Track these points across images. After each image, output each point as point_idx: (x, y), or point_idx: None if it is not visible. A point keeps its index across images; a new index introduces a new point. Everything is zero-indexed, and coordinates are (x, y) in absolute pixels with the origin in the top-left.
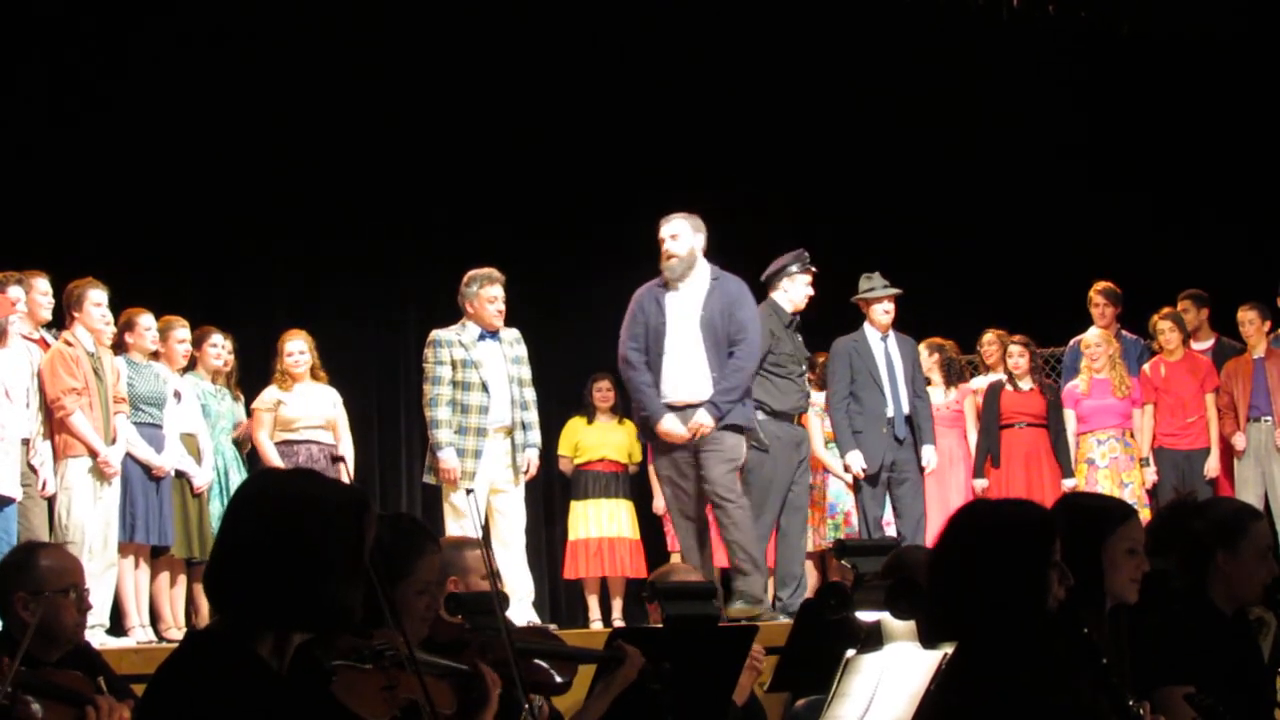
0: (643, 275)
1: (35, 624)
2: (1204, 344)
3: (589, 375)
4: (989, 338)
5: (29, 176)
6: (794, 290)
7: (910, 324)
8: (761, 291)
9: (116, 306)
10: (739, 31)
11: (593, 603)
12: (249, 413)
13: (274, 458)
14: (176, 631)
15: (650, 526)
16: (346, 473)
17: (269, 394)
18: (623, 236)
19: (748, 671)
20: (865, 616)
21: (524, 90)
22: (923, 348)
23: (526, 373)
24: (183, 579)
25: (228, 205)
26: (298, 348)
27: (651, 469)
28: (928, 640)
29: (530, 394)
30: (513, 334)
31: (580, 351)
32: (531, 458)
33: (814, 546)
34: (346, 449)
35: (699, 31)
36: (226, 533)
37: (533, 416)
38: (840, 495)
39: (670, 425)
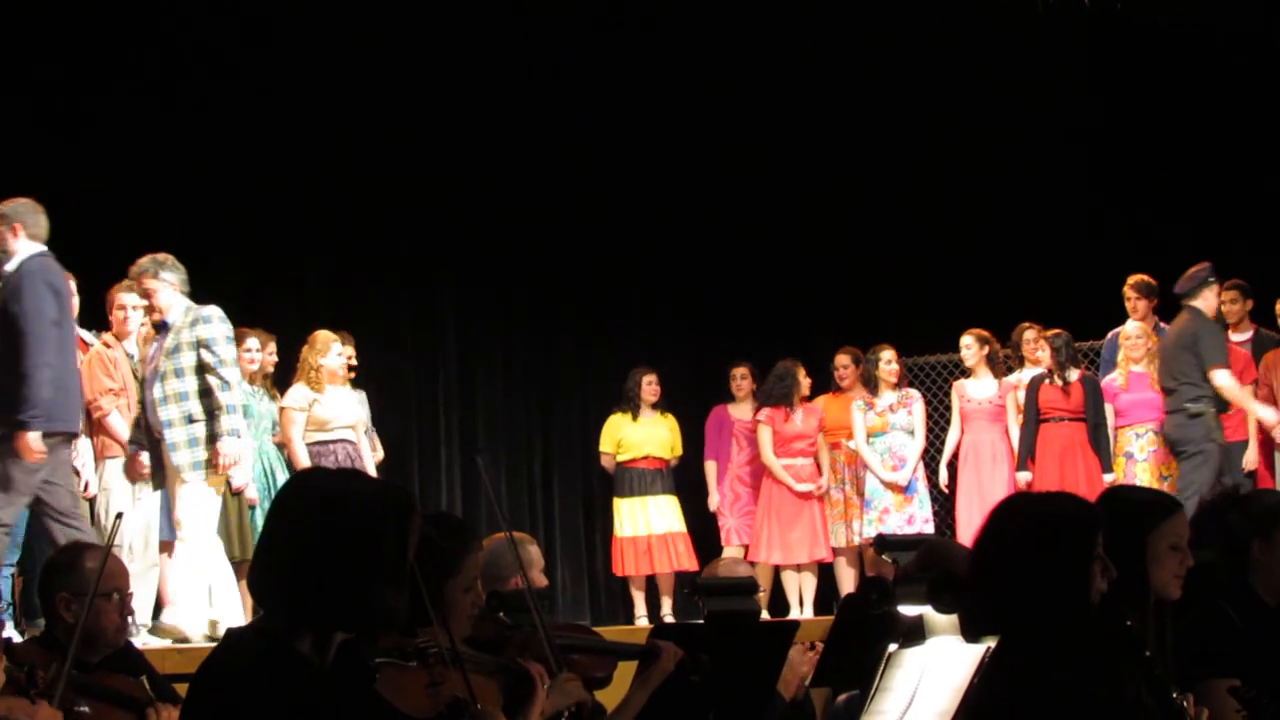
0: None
1: (79, 626)
2: (1243, 335)
3: (628, 370)
4: (1029, 334)
5: (68, 177)
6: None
7: (950, 317)
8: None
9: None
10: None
11: (638, 599)
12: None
13: (305, 458)
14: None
15: (700, 520)
16: (375, 445)
17: (301, 393)
18: (656, 230)
19: (808, 665)
20: (907, 611)
21: (555, 99)
22: (970, 339)
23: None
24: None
25: (265, 206)
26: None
27: (708, 465)
28: (970, 634)
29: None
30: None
31: (616, 347)
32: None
33: (847, 543)
34: (366, 450)
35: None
36: (271, 531)
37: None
38: (878, 491)
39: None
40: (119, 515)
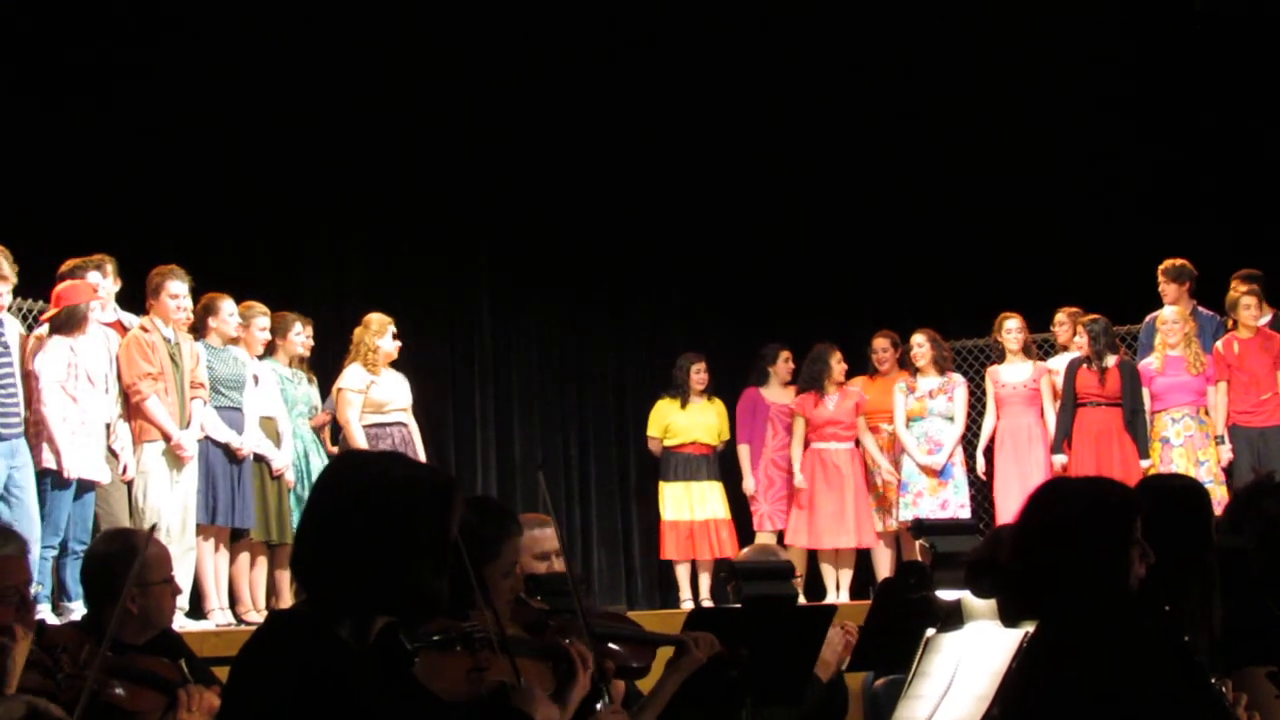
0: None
1: (119, 613)
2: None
3: (676, 355)
4: (1060, 317)
5: (109, 161)
6: None
7: (984, 301)
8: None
9: (195, 291)
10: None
11: (683, 582)
12: (323, 396)
13: (361, 440)
14: (255, 614)
15: (737, 505)
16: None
17: (357, 375)
18: (693, 212)
19: (845, 647)
20: (945, 595)
21: (594, 78)
22: (1016, 323)
23: None
24: (263, 561)
25: (296, 189)
26: (299, 328)
27: (741, 449)
28: (1008, 619)
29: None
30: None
31: (653, 329)
32: None
33: (885, 527)
34: (416, 435)
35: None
36: (312, 514)
37: None
38: (913, 475)
39: None
40: (153, 527)
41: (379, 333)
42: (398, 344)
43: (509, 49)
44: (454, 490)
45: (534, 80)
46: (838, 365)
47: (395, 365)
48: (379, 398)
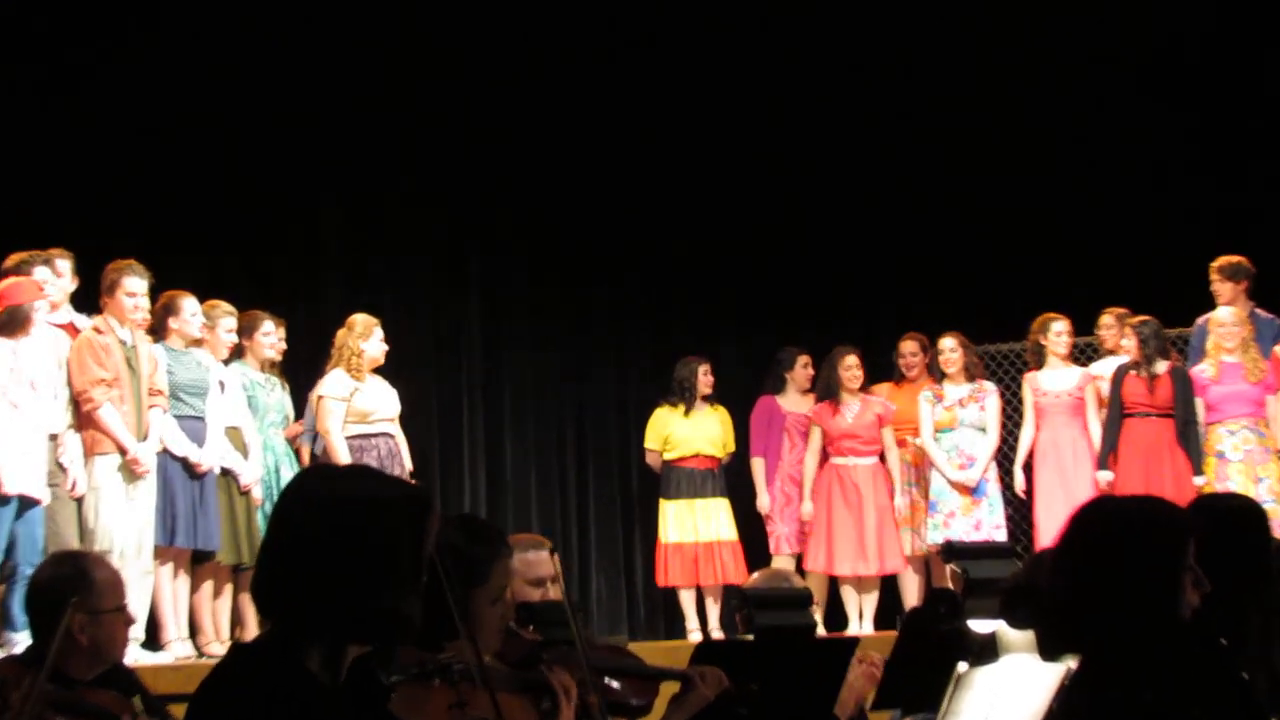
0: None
1: (59, 641)
2: None
3: (669, 357)
4: (1107, 319)
5: (64, 150)
6: None
7: (1021, 301)
8: None
9: (156, 288)
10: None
11: (688, 610)
12: (298, 404)
13: (344, 452)
14: (218, 646)
15: (751, 525)
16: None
17: (341, 381)
18: (698, 204)
19: (866, 681)
20: (978, 626)
21: (600, 69)
22: (1063, 325)
23: None
24: (228, 588)
25: (274, 178)
26: (269, 328)
27: (755, 464)
28: (1048, 652)
29: None
30: None
31: (656, 332)
32: None
33: (913, 550)
34: (403, 447)
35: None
36: (275, 534)
37: None
38: (943, 493)
39: None
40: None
41: (364, 335)
42: (384, 348)
43: (515, 31)
44: (428, 505)
45: (535, 66)
46: (846, 372)
47: (377, 371)
48: (363, 406)
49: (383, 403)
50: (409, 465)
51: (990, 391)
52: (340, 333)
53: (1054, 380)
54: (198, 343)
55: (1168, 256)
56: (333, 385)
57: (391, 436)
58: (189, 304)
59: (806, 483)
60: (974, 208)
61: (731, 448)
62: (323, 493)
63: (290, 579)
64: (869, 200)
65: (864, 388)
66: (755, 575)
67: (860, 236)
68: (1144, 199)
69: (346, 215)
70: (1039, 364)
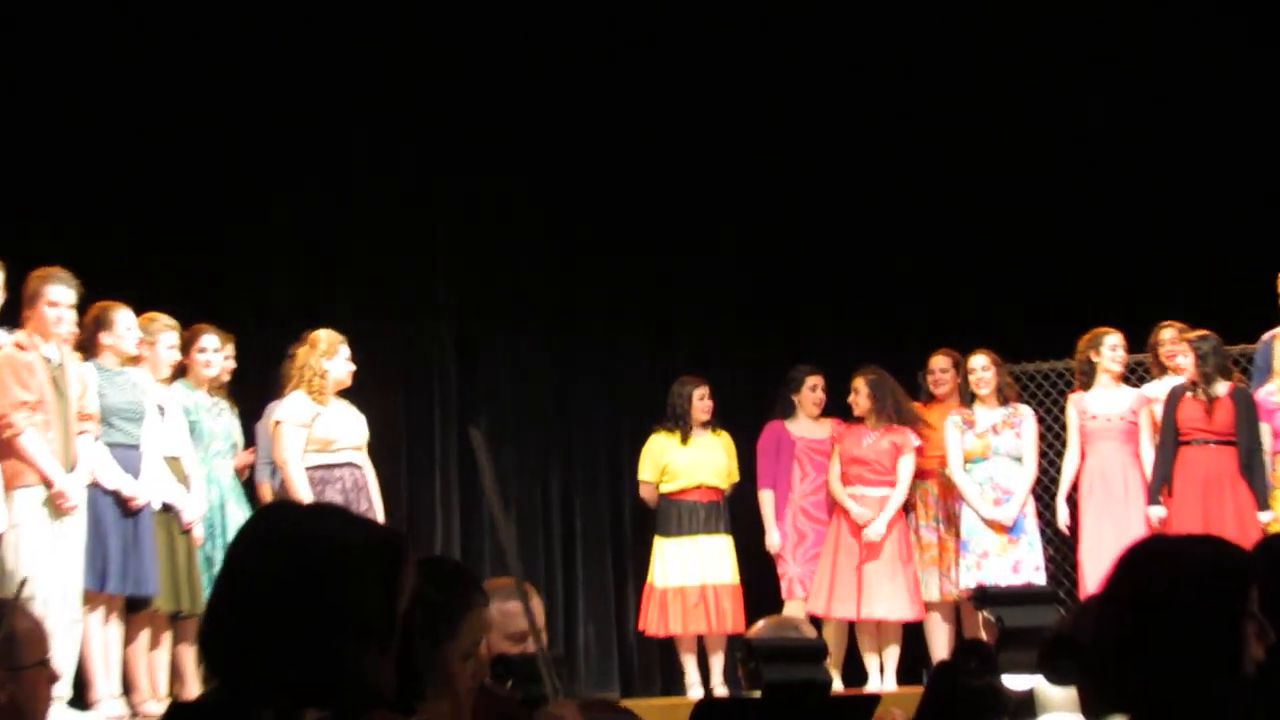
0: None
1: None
2: None
3: (671, 380)
4: (1169, 333)
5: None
6: None
7: (1065, 315)
8: None
9: (86, 300)
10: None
11: (689, 665)
12: (250, 430)
13: (303, 485)
14: (155, 705)
15: (757, 565)
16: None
17: (301, 405)
18: (701, 207)
19: None
20: (1014, 682)
21: (585, 66)
22: (1117, 339)
23: None
24: (166, 639)
25: (220, 179)
26: (211, 344)
27: (763, 496)
28: (1093, 711)
29: None
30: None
31: (652, 349)
32: None
33: (941, 595)
34: (372, 480)
35: None
36: (227, 581)
37: None
38: (976, 531)
39: None
40: (23, 581)
41: (328, 353)
42: (351, 368)
43: (485, 41)
44: (404, 552)
45: (523, 61)
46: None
47: (342, 395)
48: (325, 434)
49: (348, 430)
50: (378, 501)
51: (1027, 416)
52: (301, 350)
53: (1105, 402)
54: (134, 361)
55: (1230, 266)
56: (292, 409)
57: (358, 468)
58: (123, 317)
59: (841, 500)
60: (1009, 216)
61: (736, 477)
62: (282, 534)
63: (242, 632)
64: (892, 207)
65: (889, 409)
66: (760, 623)
67: (882, 247)
68: (1204, 204)
69: (304, 218)
70: (1087, 384)
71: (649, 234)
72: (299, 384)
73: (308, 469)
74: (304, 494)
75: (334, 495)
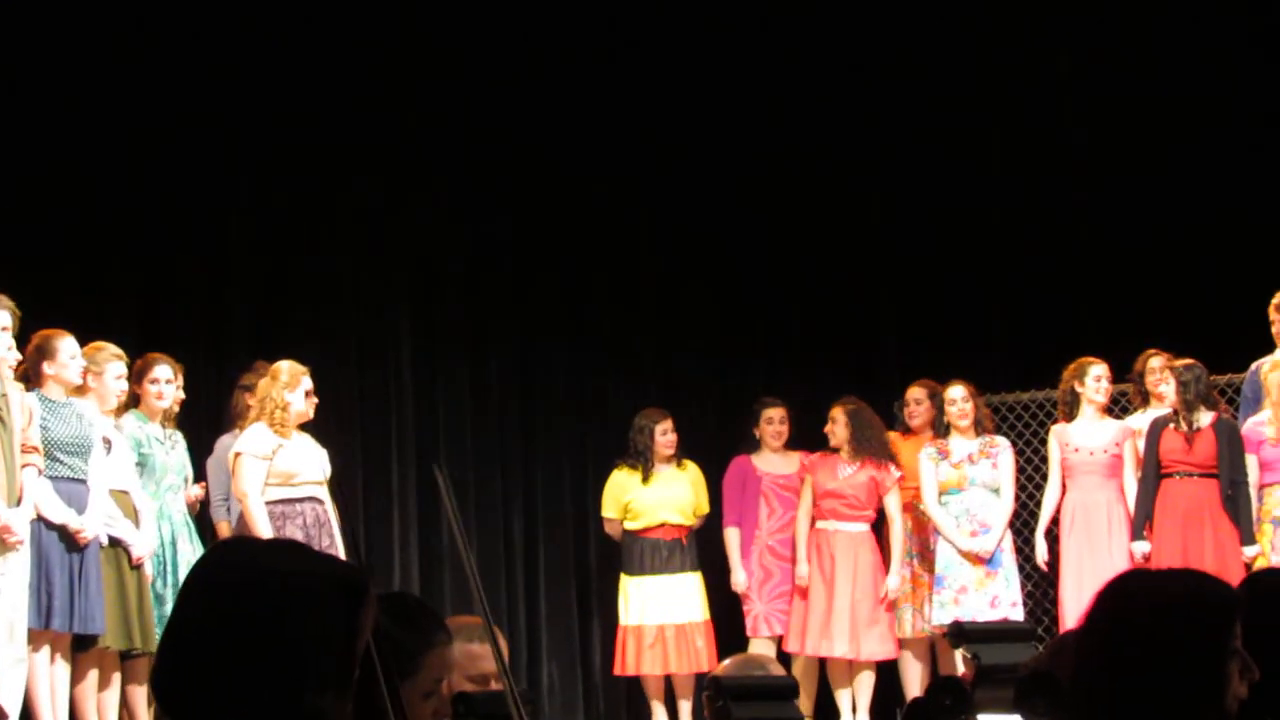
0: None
1: None
2: None
3: (631, 404)
4: (1156, 362)
5: None
6: None
7: (1045, 343)
8: None
9: (28, 327)
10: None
11: (657, 707)
12: (200, 465)
13: (263, 520)
14: None
15: (729, 603)
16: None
17: (262, 437)
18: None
19: None
20: None
21: (546, 77)
22: (1101, 369)
23: None
24: (116, 678)
25: (169, 201)
26: (164, 374)
27: (729, 534)
28: None
29: None
30: None
31: (617, 376)
32: None
33: (914, 632)
34: (333, 515)
35: None
36: (182, 619)
37: None
38: (952, 565)
39: None
40: None
41: (290, 385)
42: (314, 401)
43: (510, 48)
44: (365, 591)
45: (534, 80)
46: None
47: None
48: (286, 467)
49: (308, 463)
50: (339, 537)
51: (1004, 447)
52: (263, 383)
53: (1088, 434)
54: (79, 392)
55: (1217, 295)
56: (253, 441)
57: (320, 502)
58: (66, 345)
59: (800, 545)
60: (987, 242)
61: (704, 510)
62: (239, 570)
63: (196, 671)
64: (868, 234)
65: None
66: (726, 662)
67: (858, 275)
68: (1187, 223)
69: (257, 246)
70: (1070, 415)
71: (618, 266)
72: (259, 415)
73: (267, 503)
74: (264, 529)
75: (294, 531)
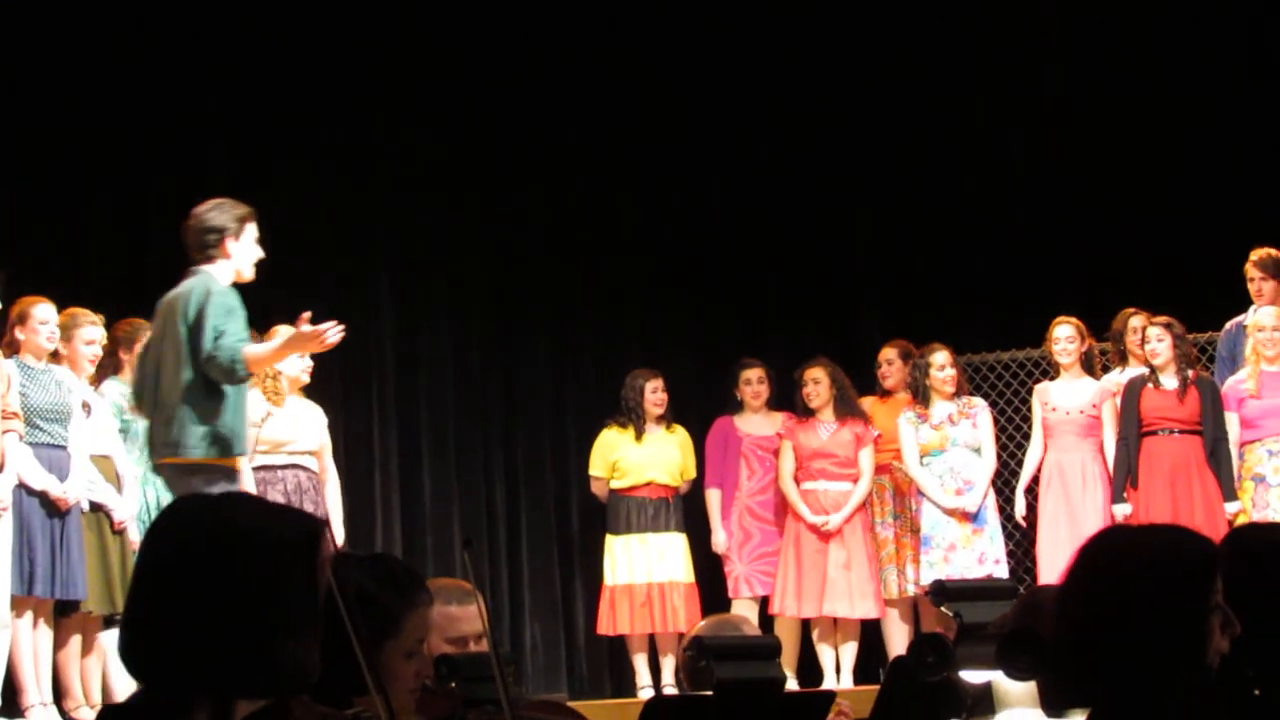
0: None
1: None
2: None
3: (624, 374)
4: (1137, 321)
5: None
6: None
7: (1026, 303)
8: None
9: (7, 297)
10: None
11: (640, 664)
12: None
13: (251, 486)
14: (88, 711)
15: (713, 565)
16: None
17: (253, 404)
18: (645, 192)
19: None
20: (972, 677)
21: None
22: (1070, 329)
23: None
24: (99, 643)
25: (148, 166)
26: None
27: (710, 495)
28: (1052, 707)
29: None
30: None
31: (600, 338)
32: None
33: (899, 592)
34: (333, 482)
35: None
36: (142, 577)
37: None
38: (939, 524)
39: None
40: None
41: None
42: (308, 365)
43: (510, 48)
44: (318, 537)
45: (534, 80)
46: (818, 384)
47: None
48: (276, 435)
49: (302, 431)
50: (335, 503)
51: (981, 407)
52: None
53: (1067, 394)
54: (55, 357)
55: (1190, 255)
56: None
57: (307, 470)
58: (39, 311)
59: (792, 499)
60: (963, 206)
61: (691, 474)
62: (195, 526)
63: (162, 629)
64: (848, 199)
65: (847, 400)
66: (703, 623)
67: (838, 238)
68: (1158, 184)
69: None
70: (1055, 374)
71: (599, 226)
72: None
73: (254, 469)
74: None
75: (275, 496)
